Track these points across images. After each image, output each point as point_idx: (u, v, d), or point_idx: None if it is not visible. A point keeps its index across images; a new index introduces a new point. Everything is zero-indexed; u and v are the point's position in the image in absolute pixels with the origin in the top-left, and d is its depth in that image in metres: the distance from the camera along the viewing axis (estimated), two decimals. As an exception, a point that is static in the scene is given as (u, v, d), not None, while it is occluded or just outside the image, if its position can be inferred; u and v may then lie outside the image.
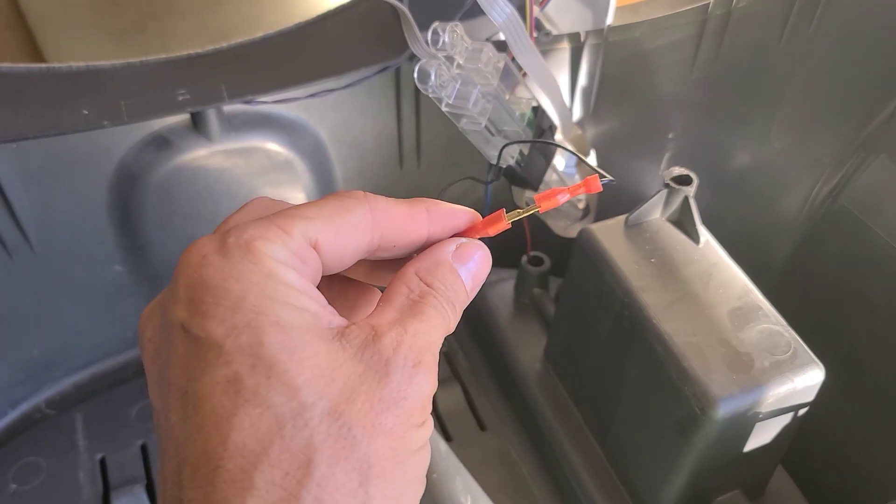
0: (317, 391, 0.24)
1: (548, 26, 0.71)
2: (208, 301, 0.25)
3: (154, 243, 0.74)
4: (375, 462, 0.25)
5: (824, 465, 0.72)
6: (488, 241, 0.32)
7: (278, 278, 0.25)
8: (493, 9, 0.61)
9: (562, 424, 0.73)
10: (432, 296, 0.28)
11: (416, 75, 0.59)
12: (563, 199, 0.32)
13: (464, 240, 0.30)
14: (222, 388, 0.24)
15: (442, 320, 0.28)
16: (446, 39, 0.61)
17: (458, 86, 0.61)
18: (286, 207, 0.28)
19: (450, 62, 0.62)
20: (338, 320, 0.27)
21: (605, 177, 0.33)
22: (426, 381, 0.27)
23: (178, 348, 0.25)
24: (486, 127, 0.65)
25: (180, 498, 0.24)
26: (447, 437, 0.77)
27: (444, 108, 0.62)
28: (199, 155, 0.70)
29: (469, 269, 0.30)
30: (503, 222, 0.32)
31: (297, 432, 0.24)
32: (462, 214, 0.31)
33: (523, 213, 0.32)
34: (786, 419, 0.59)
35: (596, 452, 0.70)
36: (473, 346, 0.86)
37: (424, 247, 0.30)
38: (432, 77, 0.59)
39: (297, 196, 0.76)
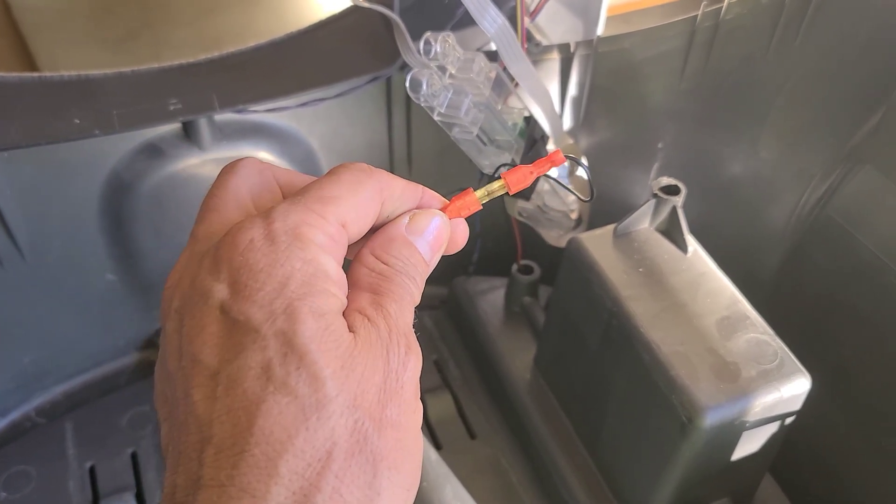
0: (339, 384, 0.25)
1: (538, 37, 0.72)
2: (252, 286, 0.26)
3: (146, 252, 0.74)
4: (386, 455, 0.26)
5: (812, 474, 0.73)
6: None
7: (319, 265, 0.26)
8: (485, 19, 0.62)
9: (551, 432, 0.73)
10: (393, 273, 0.29)
11: (407, 84, 0.60)
12: (531, 177, 0.32)
13: (416, 210, 0.31)
14: (255, 373, 0.25)
15: (408, 297, 0.29)
16: (438, 49, 0.61)
17: (449, 95, 0.62)
18: (298, 180, 0.30)
19: (442, 72, 0.63)
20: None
21: (573, 158, 0.34)
22: (416, 365, 0.28)
23: (209, 326, 0.26)
24: (477, 136, 0.65)
25: (199, 475, 0.24)
26: (437, 446, 0.77)
27: (436, 118, 0.62)
28: (191, 163, 0.70)
29: (426, 239, 0.31)
30: (475, 204, 0.32)
31: (321, 424, 0.25)
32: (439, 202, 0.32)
33: (494, 193, 0.32)
34: (773, 428, 0.59)
35: (585, 460, 0.71)
36: (464, 355, 0.86)
37: None
38: (424, 86, 0.60)
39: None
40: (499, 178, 0.33)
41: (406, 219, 0.31)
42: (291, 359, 0.25)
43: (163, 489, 0.26)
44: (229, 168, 0.30)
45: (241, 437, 0.24)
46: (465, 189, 0.33)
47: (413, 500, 0.27)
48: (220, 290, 0.26)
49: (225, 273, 0.26)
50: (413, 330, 0.29)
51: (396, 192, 0.30)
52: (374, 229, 0.30)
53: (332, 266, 0.27)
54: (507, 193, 0.33)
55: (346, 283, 0.28)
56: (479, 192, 0.32)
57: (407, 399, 0.27)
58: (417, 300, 0.30)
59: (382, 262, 0.29)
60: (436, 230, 0.31)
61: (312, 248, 0.26)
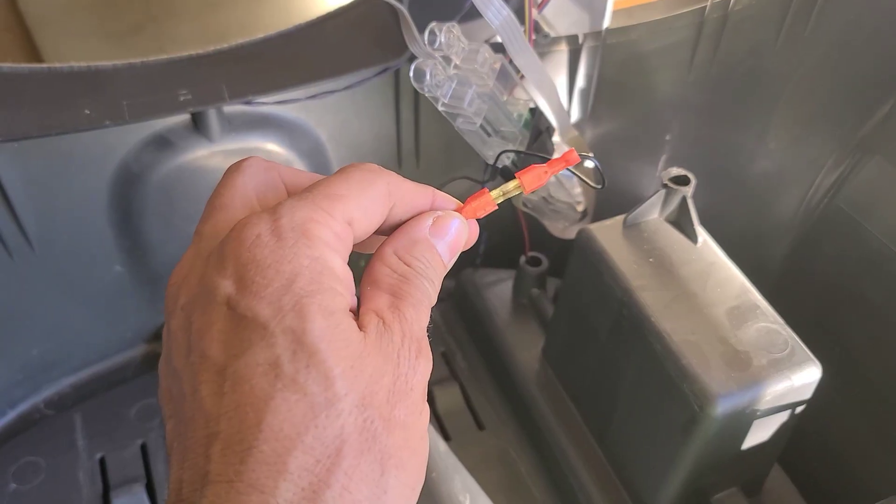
0: (348, 383, 0.25)
1: (546, 29, 0.72)
2: (259, 282, 0.25)
3: (154, 244, 0.74)
4: (394, 453, 0.26)
5: (821, 463, 0.73)
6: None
7: (326, 262, 0.26)
8: (490, 11, 0.62)
9: (560, 423, 0.73)
10: (414, 276, 0.29)
11: (411, 74, 0.60)
12: (546, 177, 0.32)
13: (439, 213, 0.31)
14: (263, 370, 0.25)
15: (427, 300, 0.29)
16: (443, 40, 0.61)
17: (453, 85, 0.62)
18: (304, 180, 0.30)
19: (446, 62, 0.63)
20: (353, 301, 0.28)
21: (586, 157, 0.34)
22: (426, 369, 0.28)
23: (217, 323, 0.26)
24: (482, 127, 0.65)
25: (206, 470, 0.24)
26: (446, 437, 0.77)
27: (440, 108, 0.63)
28: (200, 155, 0.70)
29: (446, 241, 0.30)
30: (491, 205, 0.32)
31: (330, 422, 0.25)
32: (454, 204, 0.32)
33: (509, 193, 0.32)
34: (783, 416, 0.59)
35: (594, 451, 0.71)
36: (472, 347, 0.86)
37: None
38: (427, 76, 0.60)
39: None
40: (514, 178, 0.33)
41: (430, 220, 0.30)
42: (301, 356, 0.25)
43: (168, 485, 0.26)
44: (235, 167, 0.30)
45: (250, 433, 0.24)
46: (480, 189, 0.33)
47: (416, 500, 0.27)
48: (226, 286, 0.26)
49: (231, 269, 0.26)
50: (427, 334, 0.29)
51: (407, 194, 0.30)
52: (386, 230, 0.30)
53: (339, 264, 0.27)
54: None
55: (352, 282, 0.28)
56: (495, 193, 0.32)
57: (415, 401, 0.27)
58: (434, 301, 0.30)
59: (405, 264, 0.29)
60: (456, 232, 0.31)
61: (319, 246, 0.26)
